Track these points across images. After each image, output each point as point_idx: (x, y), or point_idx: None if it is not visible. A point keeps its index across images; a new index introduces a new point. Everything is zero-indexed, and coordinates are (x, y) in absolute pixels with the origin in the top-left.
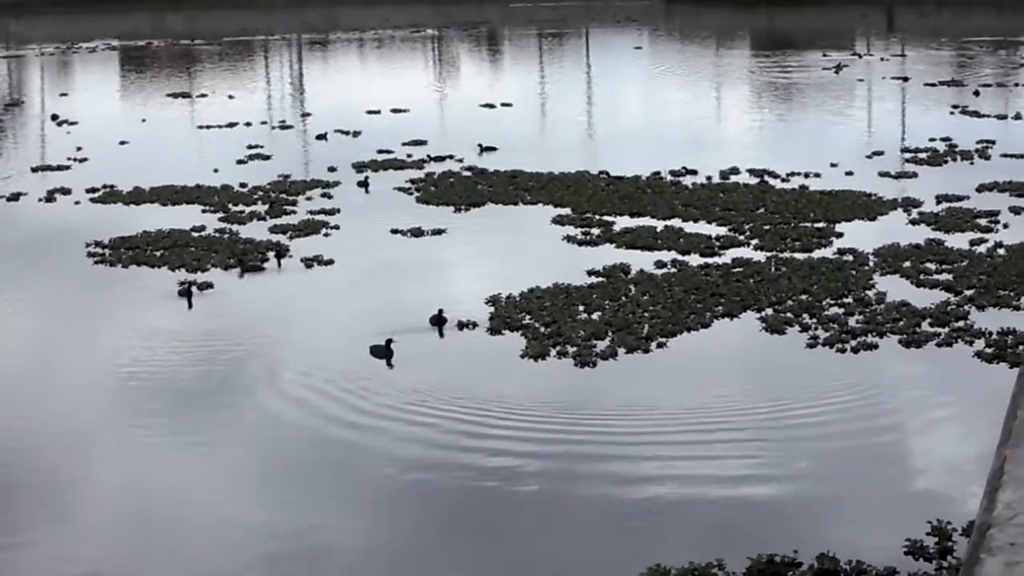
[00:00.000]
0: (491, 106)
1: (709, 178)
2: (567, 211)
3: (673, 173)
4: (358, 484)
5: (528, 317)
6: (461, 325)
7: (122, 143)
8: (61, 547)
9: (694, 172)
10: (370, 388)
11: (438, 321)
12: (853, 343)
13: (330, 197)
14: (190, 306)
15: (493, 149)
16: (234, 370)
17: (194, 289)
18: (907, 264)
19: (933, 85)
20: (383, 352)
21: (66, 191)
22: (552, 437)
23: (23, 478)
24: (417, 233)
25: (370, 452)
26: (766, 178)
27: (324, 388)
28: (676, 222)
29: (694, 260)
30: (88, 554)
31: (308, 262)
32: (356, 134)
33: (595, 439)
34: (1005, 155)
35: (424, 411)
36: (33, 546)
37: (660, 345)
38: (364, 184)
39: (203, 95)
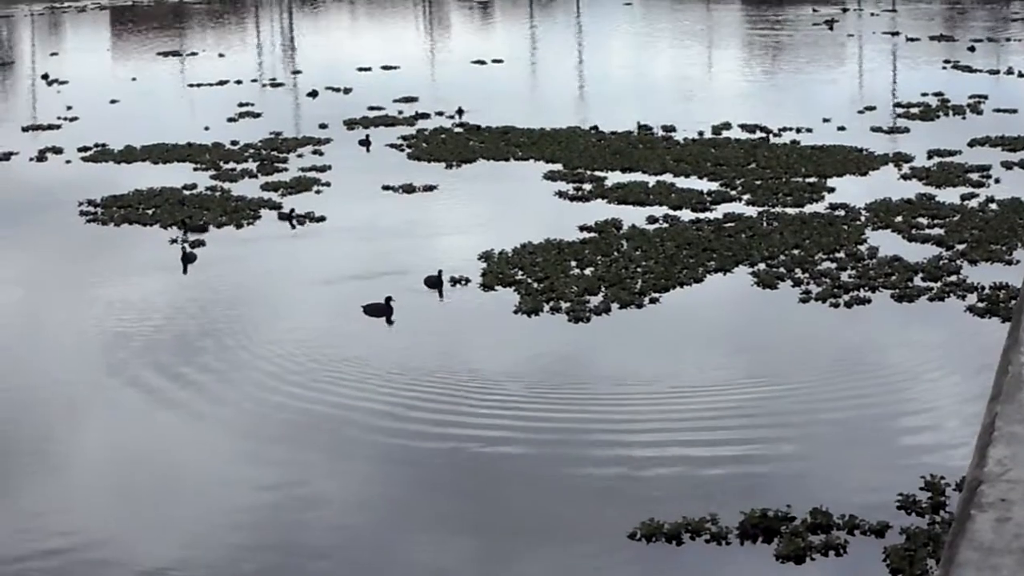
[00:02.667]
0: (482, 63)
1: (700, 133)
2: (559, 167)
3: (665, 129)
4: (347, 444)
5: (521, 273)
6: (454, 281)
7: (113, 102)
8: (47, 504)
9: (672, 129)
10: (364, 356)
11: (437, 282)
12: (846, 298)
13: (321, 154)
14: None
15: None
16: (223, 328)
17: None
18: (899, 219)
19: (923, 40)
20: (382, 310)
21: (57, 150)
22: (542, 412)
23: (11, 437)
24: (409, 189)
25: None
26: (765, 133)
27: (312, 348)
28: (668, 177)
29: (686, 215)
30: (75, 516)
31: (299, 219)
32: (347, 91)
33: (590, 407)
34: (997, 110)
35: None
36: (17, 504)
37: (653, 300)
38: (366, 143)
39: (193, 53)
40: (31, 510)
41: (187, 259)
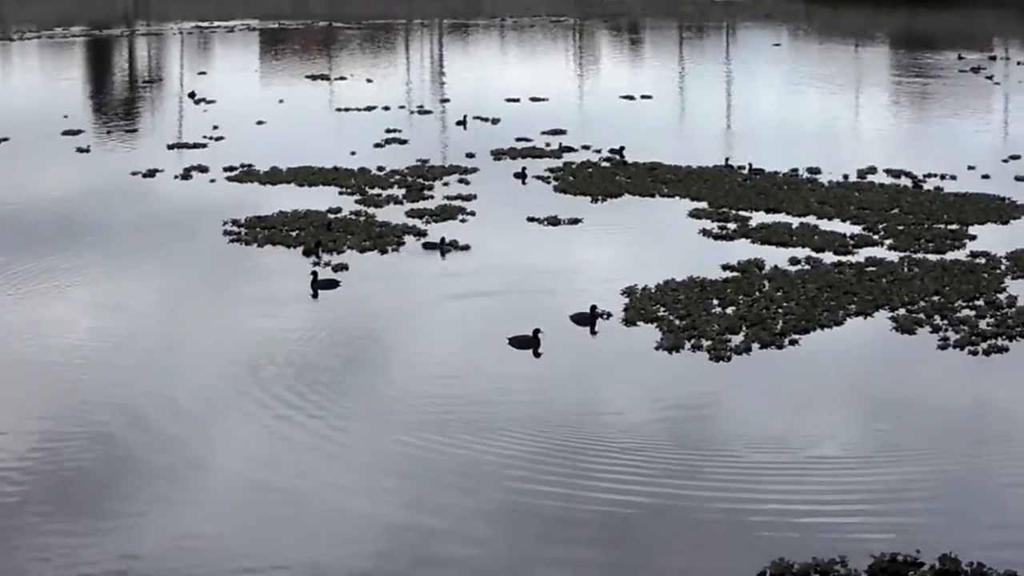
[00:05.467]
0: (631, 98)
1: (845, 176)
2: (704, 205)
3: (810, 171)
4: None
5: (663, 309)
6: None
7: (259, 123)
8: (179, 520)
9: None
10: (510, 385)
11: (588, 319)
12: (984, 346)
13: (467, 183)
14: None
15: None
16: (361, 355)
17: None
18: None
19: None
20: (528, 343)
21: (202, 169)
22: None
23: (149, 448)
24: (554, 222)
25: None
26: (913, 180)
27: (455, 378)
28: (811, 219)
29: (828, 258)
30: (207, 529)
31: (448, 246)
32: (495, 121)
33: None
34: None
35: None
36: (152, 517)
37: (793, 342)
38: (521, 175)
39: (342, 78)
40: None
41: (318, 285)
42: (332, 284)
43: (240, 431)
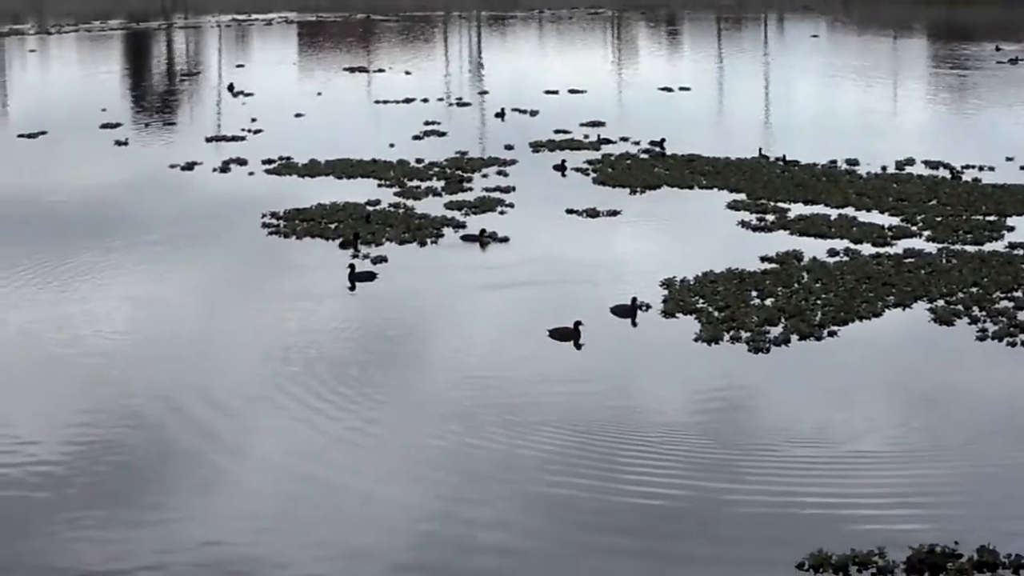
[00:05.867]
0: (669, 89)
1: (884, 168)
2: (742, 196)
3: (848, 163)
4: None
5: (702, 301)
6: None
7: (298, 115)
8: (219, 511)
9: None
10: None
11: (629, 311)
12: (1022, 336)
13: (506, 175)
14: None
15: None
16: (398, 349)
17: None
18: None
19: None
20: (569, 335)
21: (241, 162)
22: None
23: (189, 440)
24: (592, 214)
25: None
26: (952, 171)
27: (491, 371)
28: (849, 211)
29: (866, 249)
30: (247, 522)
31: (488, 238)
32: (534, 113)
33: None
34: None
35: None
36: (192, 511)
37: (832, 333)
38: (561, 168)
39: (380, 70)
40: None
41: (356, 277)
42: (370, 276)
43: (278, 424)
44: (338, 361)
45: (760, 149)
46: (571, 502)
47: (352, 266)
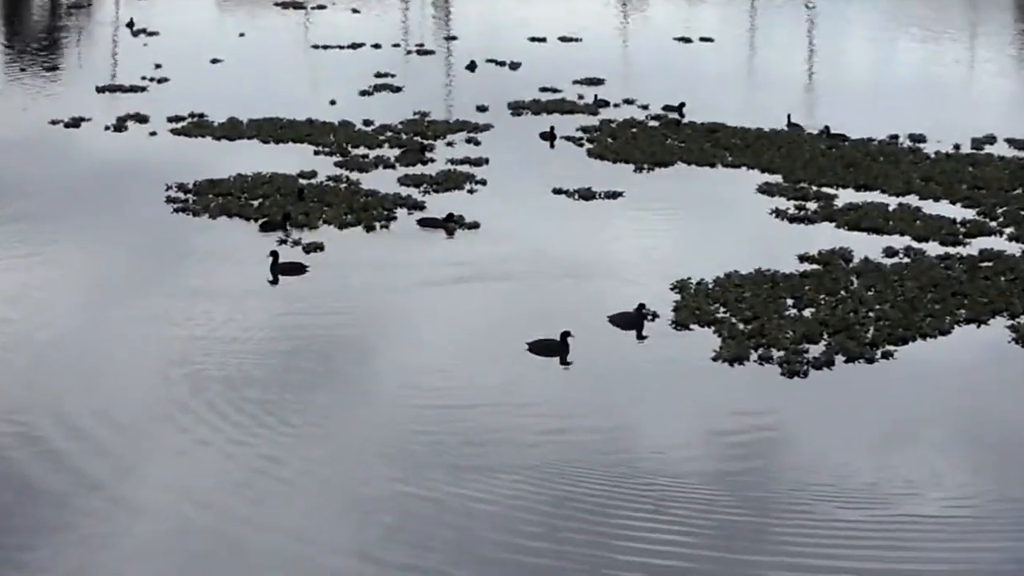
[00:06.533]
0: (687, 40)
1: (957, 146)
2: (777, 178)
3: (912, 139)
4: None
5: (723, 310)
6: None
7: (214, 61)
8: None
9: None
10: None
11: (634, 321)
12: None
13: (478, 144)
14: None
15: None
16: (331, 364)
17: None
18: None
19: None
20: (554, 349)
21: (141, 118)
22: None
23: (55, 478)
24: (587, 195)
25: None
26: None
27: (450, 403)
28: (912, 200)
29: (932, 249)
30: None
31: (454, 223)
32: (514, 66)
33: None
34: None
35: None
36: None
37: (887, 355)
38: (549, 136)
39: (320, 6)
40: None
41: (280, 268)
42: (298, 269)
43: (171, 458)
44: (249, 380)
45: (789, 116)
46: None
47: (275, 254)
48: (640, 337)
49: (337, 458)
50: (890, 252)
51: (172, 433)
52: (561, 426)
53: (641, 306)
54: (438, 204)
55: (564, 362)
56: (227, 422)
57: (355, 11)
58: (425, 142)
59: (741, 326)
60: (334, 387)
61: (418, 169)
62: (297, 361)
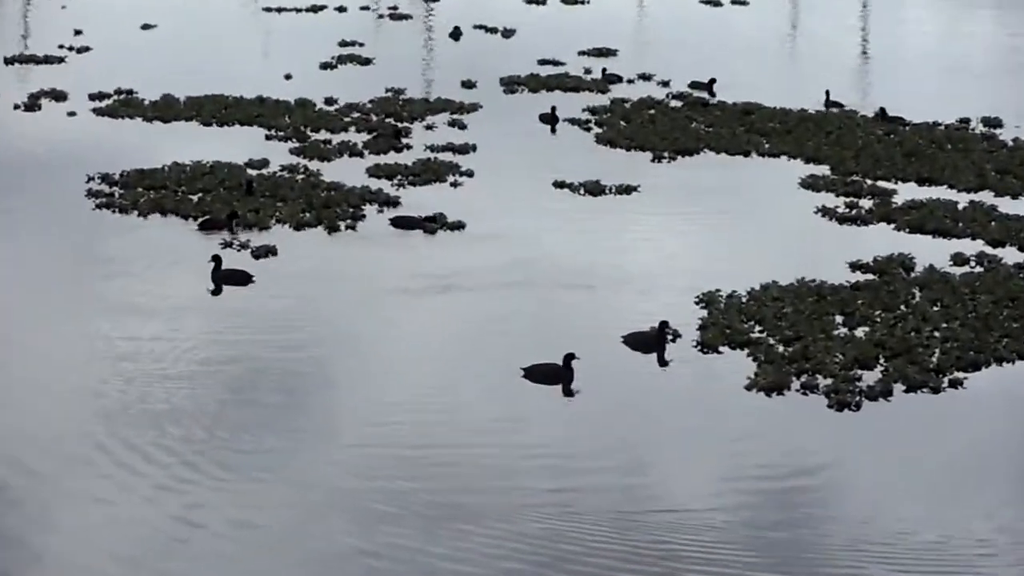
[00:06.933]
0: (716, 3)
1: None
2: (824, 170)
3: (986, 123)
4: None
5: (759, 328)
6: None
7: (146, 27)
8: None
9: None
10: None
11: (655, 342)
12: None
13: (463, 127)
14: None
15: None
16: (280, 394)
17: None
18: None
19: None
20: (556, 375)
21: (58, 96)
22: None
23: None
24: (595, 190)
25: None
26: None
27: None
28: (987, 196)
29: (1010, 255)
30: None
31: (433, 222)
32: (507, 33)
33: None
34: None
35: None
36: None
37: (955, 383)
38: (550, 119)
39: None
40: None
41: (223, 276)
42: (242, 278)
43: (87, 508)
44: (177, 415)
45: (828, 93)
46: None
47: (218, 259)
48: (662, 362)
49: (282, 510)
50: (959, 260)
51: (90, 478)
52: (561, 471)
53: (663, 324)
54: (415, 200)
55: (568, 391)
56: (153, 465)
57: None
58: (400, 125)
59: (780, 348)
60: (281, 424)
61: (391, 158)
62: (238, 392)
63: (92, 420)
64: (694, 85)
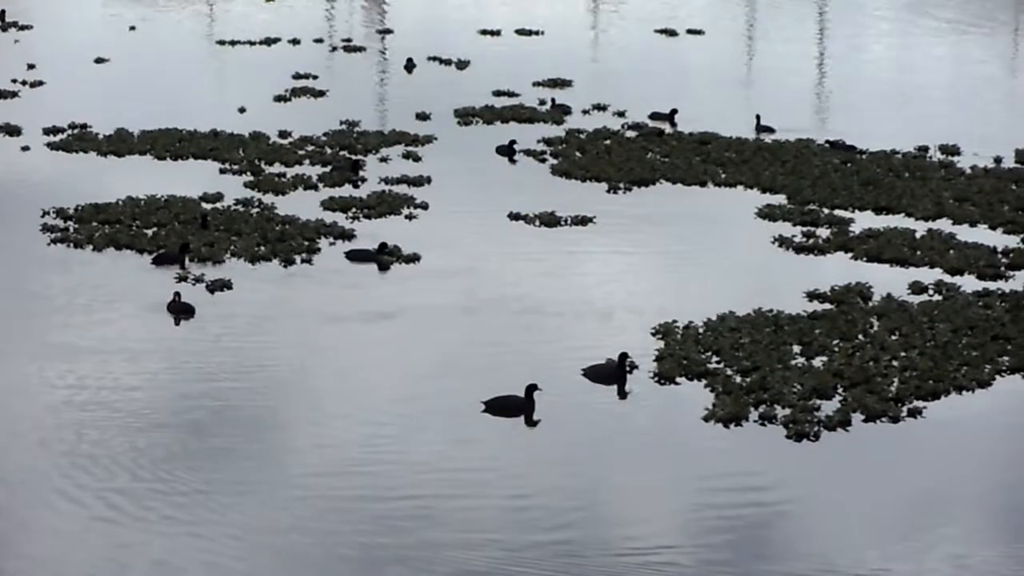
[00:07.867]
0: (672, 33)
1: (998, 160)
2: (781, 199)
3: (944, 151)
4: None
5: (716, 359)
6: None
7: (99, 61)
8: None
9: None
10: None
11: (614, 375)
12: None
13: (418, 160)
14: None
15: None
16: (233, 433)
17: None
18: None
19: None
20: (518, 407)
21: (11, 130)
22: None
23: None
24: (550, 221)
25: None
26: None
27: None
28: (944, 224)
29: (969, 283)
30: None
31: (388, 257)
32: (461, 65)
33: None
34: None
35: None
36: None
37: (914, 412)
38: (508, 151)
39: None
40: None
41: (179, 309)
42: (185, 310)
43: (36, 550)
44: (136, 453)
45: (759, 118)
46: None
47: (178, 296)
48: (622, 393)
49: (223, 559)
50: (917, 288)
51: (12, 519)
52: (519, 504)
53: (623, 356)
54: (370, 232)
55: (529, 421)
56: (76, 506)
57: None
58: (355, 158)
59: (738, 379)
60: (226, 469)
61: (346, 191)
62: (183, 432)
63: (32, 460)
64: (655, 116)
